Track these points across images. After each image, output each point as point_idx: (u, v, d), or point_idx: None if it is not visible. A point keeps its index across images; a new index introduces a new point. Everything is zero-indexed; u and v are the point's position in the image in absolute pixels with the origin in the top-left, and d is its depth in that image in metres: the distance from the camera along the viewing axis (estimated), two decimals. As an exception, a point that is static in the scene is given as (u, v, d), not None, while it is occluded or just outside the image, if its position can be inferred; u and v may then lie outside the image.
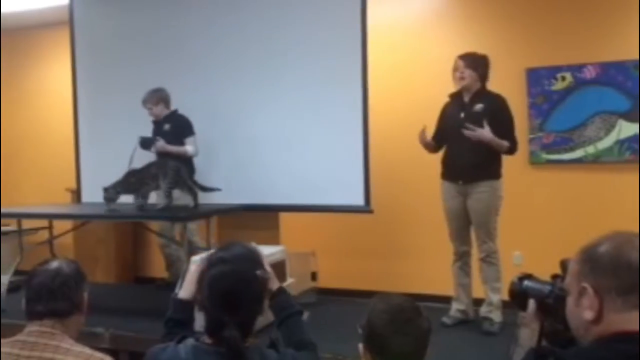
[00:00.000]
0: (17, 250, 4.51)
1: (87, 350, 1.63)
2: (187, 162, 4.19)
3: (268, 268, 1.56)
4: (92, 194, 4.33)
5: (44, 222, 4.73)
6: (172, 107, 4.37)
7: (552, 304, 1.33)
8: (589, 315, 1.09)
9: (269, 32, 4.31)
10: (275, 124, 4.30)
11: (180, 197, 4.07)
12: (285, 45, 4.27)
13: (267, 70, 4.31)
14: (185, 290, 1.68)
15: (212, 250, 2.66)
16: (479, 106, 3.32)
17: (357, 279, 4.62)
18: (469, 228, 3.43)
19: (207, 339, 1.40)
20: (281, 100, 4.28)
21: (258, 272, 1.41)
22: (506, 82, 3.97)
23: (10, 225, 5.55)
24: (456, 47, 4.14)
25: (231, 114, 4.43)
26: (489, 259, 3.33)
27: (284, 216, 4.42)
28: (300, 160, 4.23)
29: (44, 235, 5.00)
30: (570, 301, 1.16)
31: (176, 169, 3.90)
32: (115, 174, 4.42)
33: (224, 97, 4.45)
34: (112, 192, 3.97)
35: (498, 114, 3.29)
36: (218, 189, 4.02)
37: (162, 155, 4.17)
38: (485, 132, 3.21)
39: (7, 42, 6.24)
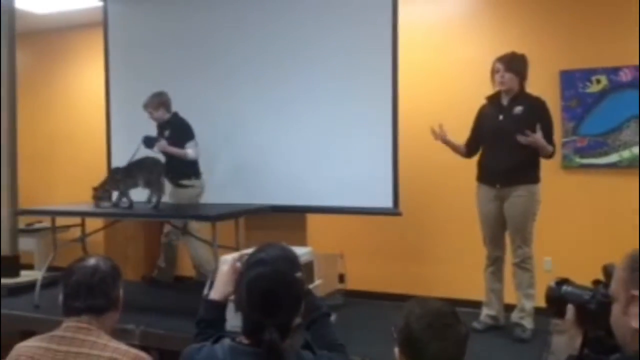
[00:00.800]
0: (50, 247, 4.61)
1: (123, 347, 1.66)
2: (189, 164, 4.31)
3: None
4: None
5: (76, 220, 4.84)
6: (194, 108, 4.46)
7: (593, 310, 1.30)
8: (637, 324, 1.06)
9: (297, 31, 4.32)
10: (303, 125, 4.31)
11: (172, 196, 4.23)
12: (314, 44, 4.27)
13: (296, 69, 4.32)
14: (217, 291, 1.68)
15: (240, 251, 2.67)
16: (518, 109, 3.25)
17: (385, 282, 4.60)
18: (503, 233, 3.37)
19: (244, 340, 1.40)
20: (310, 101, 4.29)
21: (297, 274, 1.41)
22: (539, 85, 3.89)
23: (44, 223, 5.69)
24: (488, 47, 4.09)
25: (259, 114, 4.45)
26: (524, 264, 3.27)
27: (310, 217, 4.42)
28: (328, 161, 4.23)
29: (75, 232, 5.10)
30: (616, 308, 1.13)
31: (151, 166, 4.03)
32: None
33: (251, 96, 4.47)
34: (100, 192, 4.09)
35: (538, 117, 3.22)
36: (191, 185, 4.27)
37: (164, 155, 4.29)
38: (539, 137, 3.15)
39: (42, 43, 6.39)
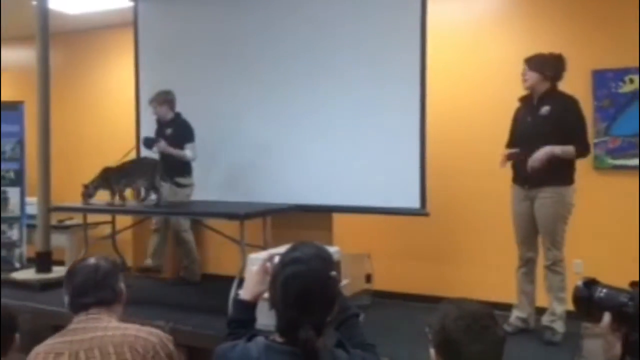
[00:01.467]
0: (81, 243, 4.69)
1: (135, 325, 1.75)
2: (186, 163, 4.47)
3: None
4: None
5: (106, 217, 4.92)
6: (221, 107, 4.59)
7: (631, 313, 1.28)
8: None
9: (325, 31, 4.33)
10: (331, 124, 4.31)
11: (171, 194, 4.36)
12: (342, 46, 4.27)
13: (324, 69, 4.32)
14: (248, 291, 1.69)
15: (268, 251, 2.68)
16: (545, 109, 3.21)
17: (412, 283, 4.58)
18: (536, 234, 3.32)
19: (278, 338, 1.41)
20: (337, 100, 4.29)
21: (332, 273, 1.41)
22: (571, 84, 3.83)
23: (74, 219, 5.80)
24: (519, 48, 4.04)
25: (286, 114, 4.47)
26: (554, 267, 3.22)
27: (337, 217, 4.42)
28: (356, 161, 4.23)
29: (104, 229, 5.20)
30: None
31: (152, 167, 4.15)
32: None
33: (279, 96, 4.49)
34: (91, 189, 4.21)
35: (565, 116, 3.17)
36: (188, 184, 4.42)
37: (163, 155, 4.42)
38: (541, 153, 3.11)
39: (74, 43, 6.51)
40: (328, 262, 1.44)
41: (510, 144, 3.43)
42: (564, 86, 3.36)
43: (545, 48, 3.41)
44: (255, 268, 1.70)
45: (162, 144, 4.42)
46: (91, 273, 1.81)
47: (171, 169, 4.40)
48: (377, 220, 4.53)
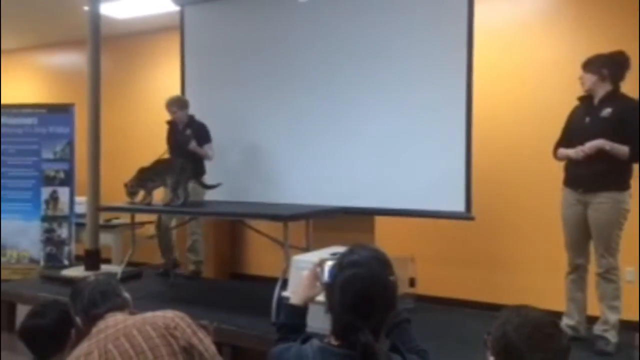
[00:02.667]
0: (126, 242, 4.80)
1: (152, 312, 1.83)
2: (200, 163, 4.67)
3: None
4: (212, 194, 4.58)
5: (151, 217, 5.03)
6: (264, 109, 4.68)
7: None
8: None
9: (370, 31, 4.29)
10: (374, 126, 4.28)
11: (192, 194, 4.48)
12: (386, 46, 4.23)
13: (368, 71, 4.29)
14: (298, 296, 1.69)
15: (315, 252, 2.67)
16: (607, 111, 3.10)
17: (456, 288, 4.51)
18: (587, 240, 3.22)
19: (333, 341, 1.41)
20: (381, 102, 4.25)
21: (391, 278, 1.39)
22: (628, 86, 3.72)
23: (121, 219, 5.95)
24: (568, 47, 3.95)
25: (330, 115, 4.46)
26: (608, 275, 3.11)
27: (379, 219, 4.39)
28: (399, 163, 4.18)
29: (150, 229, 5.31)
30: None
31: (182, 167, 4.26)
32: (221, 175, 4.63)
33: (323, 98, 4.48)
34: (130, 188, 4.35)
35: (625, 119, 3.05)
36: (216, 185, 4.48)
37: (187, 154, 4.59)
38: (596, 142, 3.02)
39: (123, 47, 6.68)
40: (386, 266, 1.42)
41: (562, 142, 3.32)
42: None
43: (595, 47, 3.32)
44: (305, 273, 1.70)
45: (194, 144, 4.62)
46: (96, 287, 1.93)
47: (197, 169, 4.60)
48: (420, 223, 4.47)
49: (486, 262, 4.55)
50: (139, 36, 6.55)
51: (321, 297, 1.56)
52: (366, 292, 1.35)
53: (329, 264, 1.57)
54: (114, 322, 1.79)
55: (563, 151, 3.28)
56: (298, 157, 4.58)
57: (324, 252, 3.41)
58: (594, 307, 3.25)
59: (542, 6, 4.45)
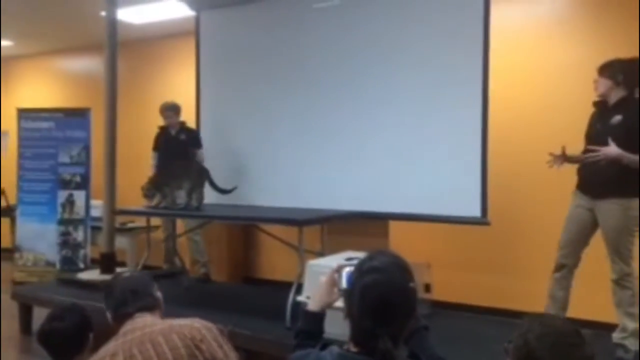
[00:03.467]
0: (140, 245, 4.83)
1: (178, 319, 1.81)
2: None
3: None
4: (211, 197, 4.57)
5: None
6: (278, 113, 4.75)
7: None
8: None
9: (386, 35, 4.27)
10: (388, 129, 4.26)
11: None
12: (402, 49, 4.21)
13: (382, 75, 4.28)
14: (316, 302, 1.68)
15: (329, 256, 2.65)
16: (616, 118, 3.09)
17: (472, 294, 4.47)
18: (581, 243, 3.27)
19: (352, 348, 1.40)
20: (396, 106, 4.23)
21: (411, 284, 1.39)
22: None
23: (136, 222, 5.99)
24: (586, 52, 3.91)
25: (344, 120, 4.45)
26: (622, 281, 3.10)
27: (393, 224, 4.37)
28: (414, 167, 4.16)
29: (160, 233, 5.35)
30: None
31: (200, 172, 4.36)
32: (236, 180, 4.64)
33: (336, 102, 4.47)
34: (146, 191, 4.44)
35: (637, 125, 3.02)
36: (232, 189, 4.51)
37: (187, 158, 4.73)
38: (609, 150, 2.99)
39: (139, 51, 6.73)
40: (407, 272, 1.41)
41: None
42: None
43: (613, 51, 3.29)
44: (323, 279, 1.70)
45: (202, 154, 4.85)
46: (129, 284, 1.90)
47: None
48: (435, 228, 4.44)
49: (502, 268, 4.51)
50: (155, 41, 6.60)
51: (339, 303, 1.56)
52: (386, 299, 1.34)
53: (346, 270, 1.57)
54: (142, 324, 1.78)
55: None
56: (312, 161, 4.58)
57: (339, 257, 3.40)
58: (611, 315, 3.22)
59: (560, 10, 4.41)
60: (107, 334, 1.85)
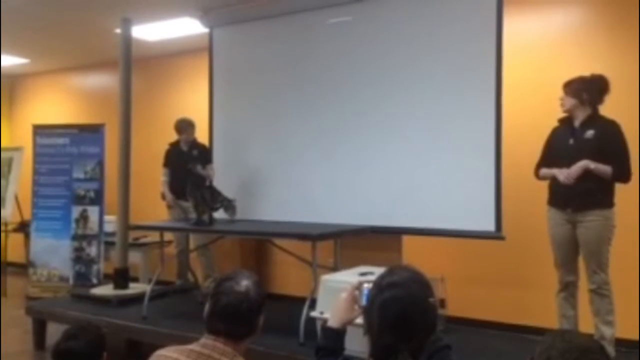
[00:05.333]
0: (153, 260, 4.83)
1: None
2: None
3: None
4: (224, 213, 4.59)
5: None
6: (291, 126, 4.79)
7: None
8: None
9: (398, 47, 4.28)
10: (401, 144, 4.26)
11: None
12: (415, 64, 4.22)
13: (396, 89, 4.28)
14: (336, 318, 1.67)
15: (338, 271, 2.62)
16: (589, 133, 3.24)
17: (487, 309, 4.41)
18: (575, 258, 3.34)
19: (371, 363, 1.38)
20: (409, 120, 4.23)
21: (431, 300, 1.37)
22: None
23: (149, 237, 6.00)
24: (599, 64, 3.86)
25: (357, 133, 4.46)
26: (601, 290, 3.22)
27: (407, 239, 4.34)
28: (427, 181, 4.14)
29: (173, 248, 5.35)
30: None
31: (202, 186, 4.46)
32: (249, 195, 4.64)
33: (350, 116, 4.48)
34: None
35: (609, 140, 3.20)
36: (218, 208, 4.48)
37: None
38: (580, 164, 3.16)
39: (153, 68, 6.80)
40: (426, 287, 1.40)
41: (543, 162, 3.46)
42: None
43: (625, 64, 3.34)
44: (343, 295, 1.68)
45: (211, 167, 4.88)
46: (236, 301, 1.69)
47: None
48: (449, 242, 4.40)
49: (517, 283, 4.45)
50: (168, 57, 6.66)
51: (360, 320, 1.54)
52: (405, 314, 1.33)
53: (366, 286, 1.56)
54: (206, 358, 1.66)
55: (546, 171, 3.42)
56: (325, 175, 4.58)
57: (353, 272, 3.38)
58: (587, 324, 3.30)
59: (572, 23, 4.39)
60: (120, 351, 1.80)
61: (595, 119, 3.28)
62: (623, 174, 3.21)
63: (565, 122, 3.41)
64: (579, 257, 3.35)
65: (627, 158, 3.22)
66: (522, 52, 4.46)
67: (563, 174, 3.22)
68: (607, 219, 3.21)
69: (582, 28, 4.36)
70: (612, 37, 4.22)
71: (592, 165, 3.15)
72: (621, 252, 3.54)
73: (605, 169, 3.16)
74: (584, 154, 3.20)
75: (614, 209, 3.25)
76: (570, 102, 3.31)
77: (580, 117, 3.30)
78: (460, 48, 4.03)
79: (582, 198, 3.21)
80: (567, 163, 3.25)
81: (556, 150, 3.41)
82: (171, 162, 5.25)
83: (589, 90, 3.27)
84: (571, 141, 3.31)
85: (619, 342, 3.38)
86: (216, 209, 4.43)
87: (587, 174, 3.17)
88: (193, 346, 1.69)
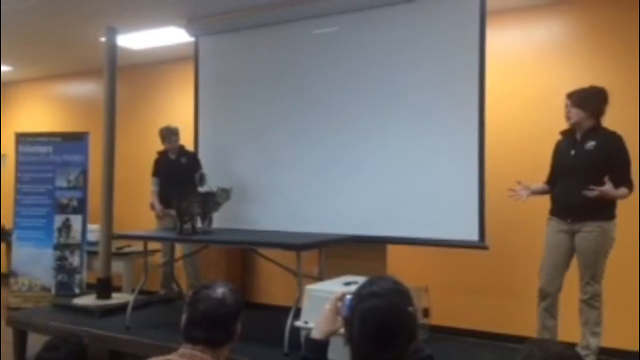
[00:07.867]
0: (137, 270, 4.79)
1: None
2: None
3: None
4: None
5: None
6: (277, 137, 4.80)
7: None
8: None
9: (382, 60, 4.33)
10: (386, 154, 4.30)
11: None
12: (399, 75, 4.27)
13: (381, 100, 4.33)
14: (319, 329, 1.67)
15: (323, 281, 2.63)
16: (590, 144, 3.24)
17: (471, 318, 4.44)
18: (564, 269, 3.35)
19: (352, 374, 1.39)
20: (393, 130, 4.28)
21: (410, 309, 1.38)
22: (632, 116, 3.73)
23: (133, 247, 5.96)
24: (582, 77, 3.94)
25: (342, 144, 4.49)
26: (592, 301, 3.24)
27: (391, 248, 4.36)
28: (412, 191, 4.18)
29: (159, 257, 5.32)
30: None
31: (210, 196, 4.36)
32: (234, 204, 4.63)
33: (335, 127, 4.52)
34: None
35: (611, 152, 3.20)
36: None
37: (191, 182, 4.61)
38: (606, 190, 3.12)
39: (138, 76, 6.79)
40: (406, 296, 1.41)
41: (551, 176, 3.47)
42: (624, 118, 3.32)
43: (607, 75, 3.38)
44: (326, 306, 1.69)
45: (205, 183, 4.74)
46: (212, 308, 1.71)
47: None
48: (433, 252, 4.43)
49: (501, 292, 4.49)
50: (154, 66, 6.66)
51: (342, 330, 1.55)
52: (386, 324, 1.34)
53: (348, 297, 1.57)
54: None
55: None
56: (311, 184, 4.60)
57: (337, 281, 3.39)
58: (568, 334, 3.35)
59: (555, 35, 4.48)
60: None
61: (597, 130, 3.28)
62: (629, 188, 3.20)
63: (567, 134, 3.42)
64: (566, 270, 3.35)
65: (629, 169, 3.22)
66: (506, 64, 4.53)
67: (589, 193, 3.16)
68: (606, 231, 3.21)
69: (565, 40, 4.44)
70: (593, 48, 4.31)
71: (618, 195, 3.14)
72: (621, 263, 3.56)
73: (621, 195, 3.16)
74: (585, 165, 3.22)
75: (615, 222, 3.24)
76: (579, 114, 3.28)
77: (583, 128, 3.30)
78: (444, 60, 4.09)
79: (583, 209, 3.21)
80: (569, 174, 3.27)
81: (559, 162, 3.43)
82: (161, 171, 5.22)
83: (594, 101, 3.27)
84: (572, 152, 3.33)
85: (619, 353, 3.41)
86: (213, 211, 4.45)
87: (588, 185, 3.14)
88: (172, 356, 1.68)
